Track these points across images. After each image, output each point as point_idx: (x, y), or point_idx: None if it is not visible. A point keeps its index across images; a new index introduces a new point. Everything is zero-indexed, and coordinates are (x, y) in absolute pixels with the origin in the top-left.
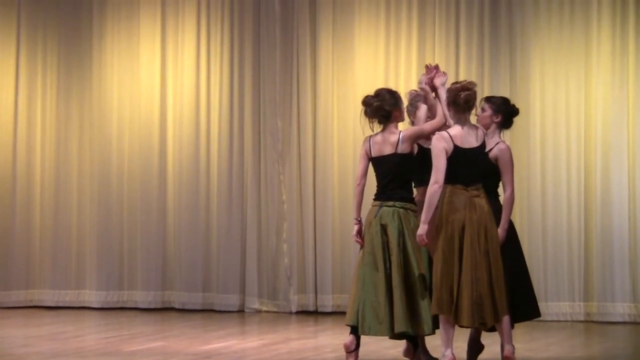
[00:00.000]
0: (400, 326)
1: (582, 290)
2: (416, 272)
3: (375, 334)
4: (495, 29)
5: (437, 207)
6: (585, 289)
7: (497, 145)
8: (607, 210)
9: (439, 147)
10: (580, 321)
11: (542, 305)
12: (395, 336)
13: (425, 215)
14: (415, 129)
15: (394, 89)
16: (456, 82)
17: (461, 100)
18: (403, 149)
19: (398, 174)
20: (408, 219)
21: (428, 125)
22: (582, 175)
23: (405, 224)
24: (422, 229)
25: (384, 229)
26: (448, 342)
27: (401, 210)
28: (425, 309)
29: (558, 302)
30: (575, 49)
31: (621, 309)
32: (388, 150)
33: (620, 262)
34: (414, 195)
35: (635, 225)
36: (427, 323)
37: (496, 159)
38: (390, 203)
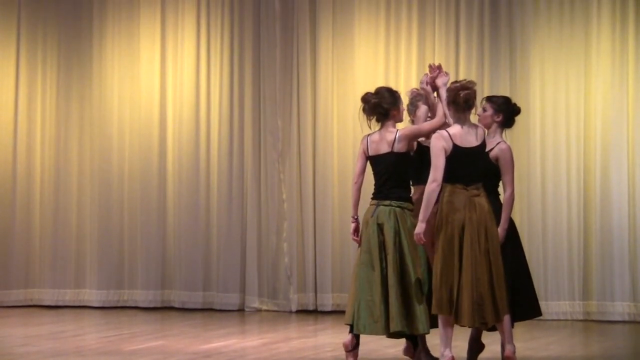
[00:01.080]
0: (395, 325)
1: (582, 290)
2: (412, 272)
3: (370, 333)
4: (495, 29)
5: (435, 207)
6: (585, 288)
7: (498, 145)
8: (606, 210)
9: (438, 146)
10: (580, 320)
11: (542, 305)
12: (393, 335)
13: (423, 214)
14: (413, 128)
15: (394, 88)
16: (456, 82)
17: (461, 99)
18: (399, 147)
19: (394, 173)
20: (404, 218)
21: (427, 125)
22: (582, 174)
23: (401, 223)
24: (420, 227)
25: (380, 228)
26: (447, 342)
27: (398, 209)
28: (421, 309)
29: (558, 302)
30: (575, 48)
31: (620, 308)
32: (384, 149)
33: (619, 261)
34: (411, 194)
35: (635, 224)
36: (422, 322)
37: (496, 159)
38: (387, 202)
